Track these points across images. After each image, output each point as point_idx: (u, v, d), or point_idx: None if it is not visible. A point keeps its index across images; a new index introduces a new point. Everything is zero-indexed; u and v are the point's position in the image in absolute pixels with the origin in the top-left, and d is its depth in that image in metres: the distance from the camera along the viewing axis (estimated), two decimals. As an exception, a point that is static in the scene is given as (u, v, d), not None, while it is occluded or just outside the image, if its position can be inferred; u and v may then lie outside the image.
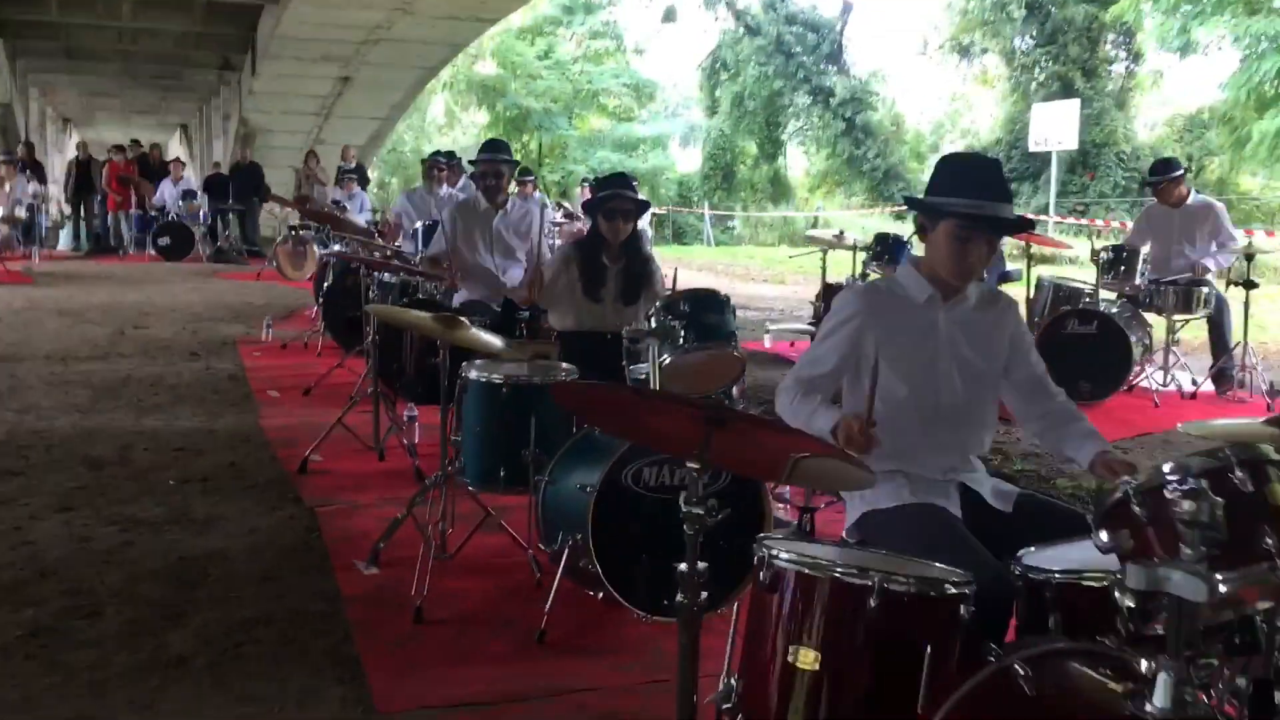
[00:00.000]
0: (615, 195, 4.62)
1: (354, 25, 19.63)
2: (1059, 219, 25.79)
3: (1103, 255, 7.13)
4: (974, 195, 2.72)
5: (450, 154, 10.91)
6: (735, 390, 4.24)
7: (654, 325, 3.60)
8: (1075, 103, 26.90)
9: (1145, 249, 7.22)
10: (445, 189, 9.71)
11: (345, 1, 18.21)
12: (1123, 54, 33.31)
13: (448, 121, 44.36)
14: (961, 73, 39.75)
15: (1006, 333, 2.96)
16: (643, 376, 3.96)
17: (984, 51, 36.69)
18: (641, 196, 4.72)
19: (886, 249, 8.87)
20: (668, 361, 3.66)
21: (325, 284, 9.24)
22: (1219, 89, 26.74)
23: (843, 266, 11.08)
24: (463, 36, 22.73)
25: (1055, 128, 26.43)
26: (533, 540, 3.89)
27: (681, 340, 3.72)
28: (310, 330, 9.30)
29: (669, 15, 33.81)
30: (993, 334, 2.94)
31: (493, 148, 6.41)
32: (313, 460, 5.42)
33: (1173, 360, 7.36)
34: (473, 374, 4.07)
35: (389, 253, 7.98)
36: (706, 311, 3.88)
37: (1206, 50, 24.66)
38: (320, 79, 22.34)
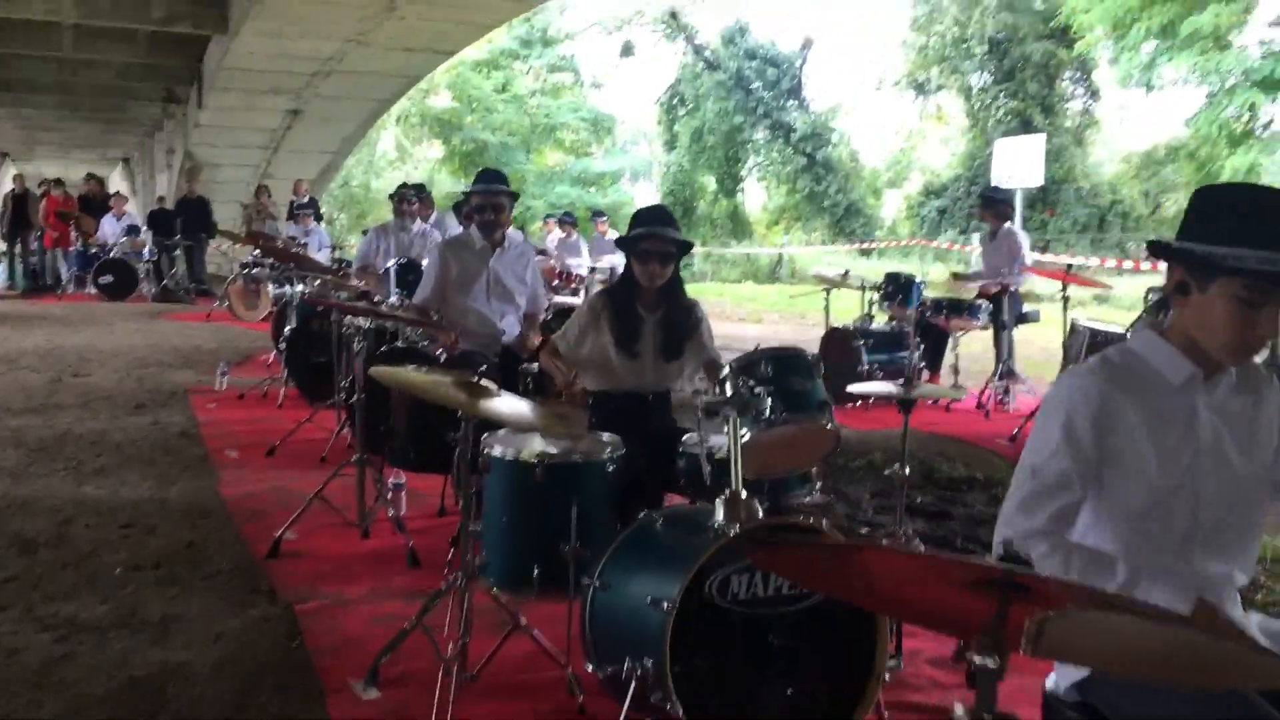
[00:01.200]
0: (651, 234, 3.92)
1: (305, 57, 19.03)
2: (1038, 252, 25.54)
3: (1151, 296, 6.55)
4: (1272, 246, 2.00)
5: (420, 186, 10.14)
6: (815, 470, 3.52)
7: (730, 391, 2.89)
8: (1040, 138, 26.72)
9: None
10: (418, 224, 8.97)
11: (297, 32, 17.52)
12: (1080, 90, 33.38)
13: (399, 155, 43.58)
14: (916, 109, 39.84)
15: (1275, 421, 2.24)
16: (720, 454, 3.24)
17: (939, 89, 36.66)
18: (683, 237, 4.00)
19: (899, 289, 8.26)
20: (747, 437, 2.94)
21: (286, 328, 8.44)
22: (1184, 124, 26.80)
23: (847, 307, 10.53)
24: (418, 69, 22.28)
25: (1019, 164, 26.22)
26: (573, 655, 3.16)
27: (769, 411, 3.00)
28: (270, 378, 8.48)
29: (627, 50, 33.39)
30: (1258, 422, 2.22)
31: (490, 178, 5.67)
32: (286, 539, 4.63)
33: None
34: (497, 449, 3.35)
35: (373, 297, 7.20)
36: (790, 374, 3.17)
37: (1166, 87, 24.65)
38: (269, 111, 21.74)
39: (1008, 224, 8.55)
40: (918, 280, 8.35)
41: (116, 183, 33.03)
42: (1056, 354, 10.60)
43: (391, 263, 8.11)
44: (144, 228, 16.48)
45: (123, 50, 20.54)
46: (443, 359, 5.58)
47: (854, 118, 36.72)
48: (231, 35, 17.90)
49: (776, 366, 3.15)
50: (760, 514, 2.84)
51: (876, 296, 8.53)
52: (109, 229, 16.33)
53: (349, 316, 6.59)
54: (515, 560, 3.29)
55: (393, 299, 7.00)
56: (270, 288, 12.99)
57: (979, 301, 7.99)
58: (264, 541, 4.66)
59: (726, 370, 3.00)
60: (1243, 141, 20.06)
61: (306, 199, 17.93)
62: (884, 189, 38.18)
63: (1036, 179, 26.04)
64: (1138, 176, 33.60)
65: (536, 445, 3.40)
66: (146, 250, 16.22)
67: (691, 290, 4.25)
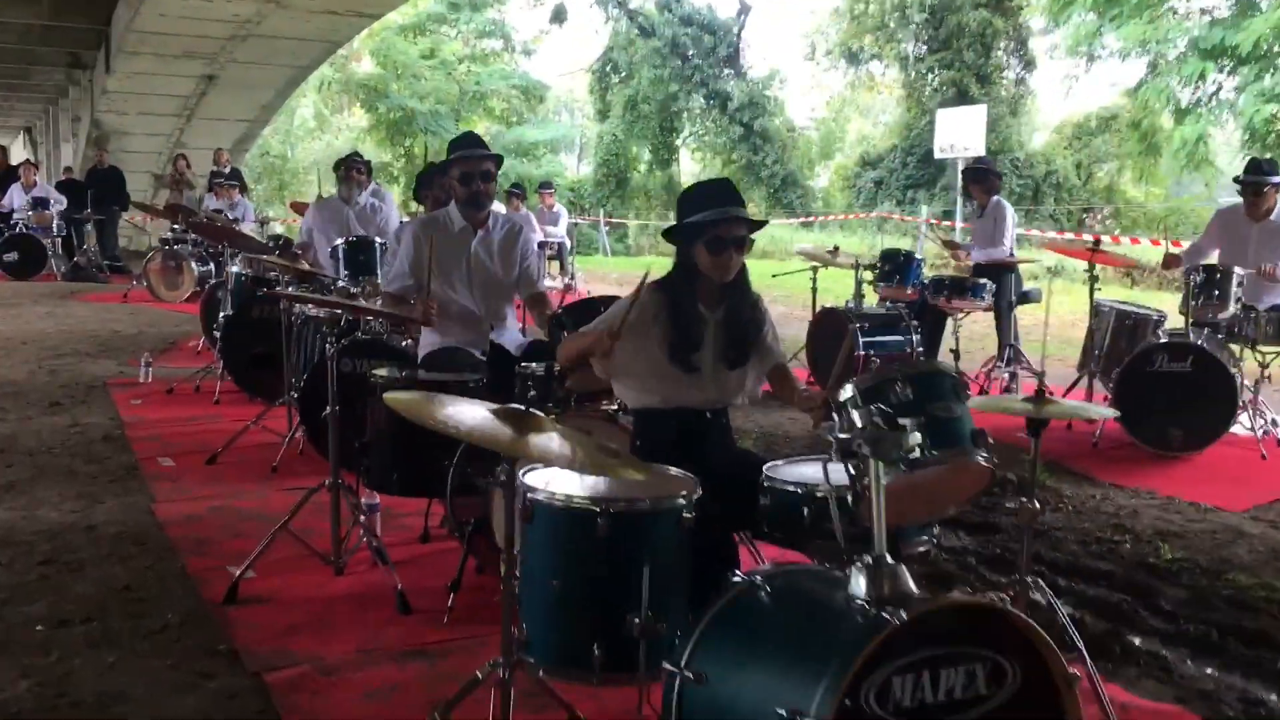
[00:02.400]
0: (726, 216, 3.19)
1: (221, 19, 18.16)
2: (965, 225, 25.20)
3: (1194, 277, 5.97)
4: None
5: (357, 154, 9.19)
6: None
7: (859, 421, 2.20)
8: (981, 109, 26.40)
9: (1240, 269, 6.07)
10: (366, 197, 8.10)
11: None
12: (1015, 61, 33.17)
13: (318, 125, 42.11)
14: (849, 79, 39.39)
15: None
16: (820, 494, 2.56)
17: (873, 58, 36.25)
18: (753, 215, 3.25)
19: (896, 268, 7.62)
20: (889, 481, 2.24)
21: (221, 314, 7.57)
22: (1123, 95, 26.66)
23: (835, 285, 9.84)
24: (341, 33, 21.49)
25: (960, 134, 25.89)
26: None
27: (917, 446, 2.29)
28: (202, 369, 7.59)
29: (558, 15, 32.31)
30: None
31: (472, 141, 4.84)
32: (245, 578, 3.85)
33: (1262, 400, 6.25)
34: (541, 488, 2.62)
35: (332, 282, 6.36)
36: (932, 397, 2.47)
37: (1108, 57, 24.42)
38: (182, 78, 20.77)
39: (996, 197, 7.97)
40: (918, 258, 7.72)
41: (19, 154, 31.24)
42: (1059, 334, 10.15)
43: (340, 241, 7.26)
44: (54, 200, 15.21)
45: (23, 11, 19.46)
46: (419, 355, 4.84)
47: (788, 87, 36.24)
48: (141, -5, 16.85)
49: (916, 388, 2.45)
50: (911, 584, 2.16)
51: (869, 275, 7.88)
52: (16, 201, 15.05)
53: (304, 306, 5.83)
54: (568, 635, 2.57)
55: (341, 282, 6.18)
56: (194, 265, 12.04)
57: (981, 280, 7.40)
58: (215, 581, 3.88)
59: (850, 393, 2.30)
60: (1190, 112, 19.83)
61: (228, 169, 16.89)
62: (817, 160, 37.77)
63: (978, 148, 25.72)
64: (1070, 147, 33.52)
65: (587, 482, 2.68)
66: (55, 224, 15.00)
67: (626, 264, 3.62)
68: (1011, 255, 7.82)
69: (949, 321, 7.70)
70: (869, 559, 2.16)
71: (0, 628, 3.54)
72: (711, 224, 3.18)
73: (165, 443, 6.05)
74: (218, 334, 7.61)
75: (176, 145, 22.16)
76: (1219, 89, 19.72)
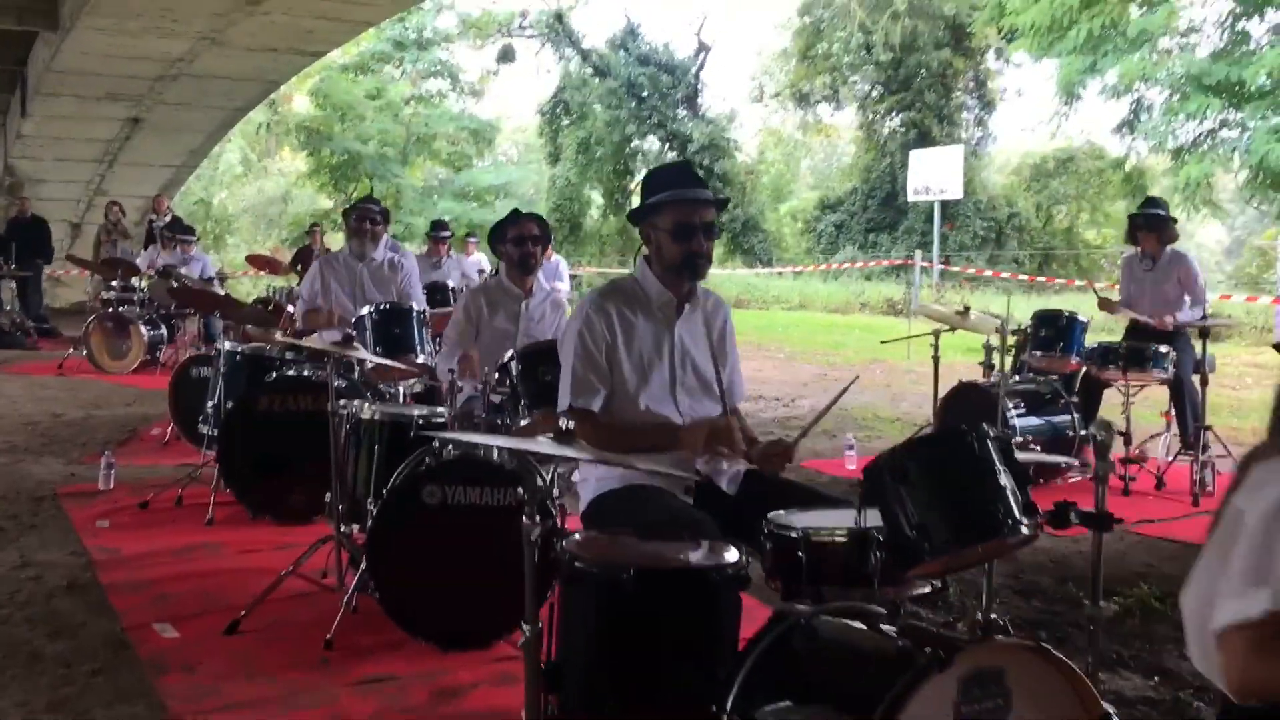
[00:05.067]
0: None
1: (149, 58, 16.89)
2: (943, 265, 24.19)
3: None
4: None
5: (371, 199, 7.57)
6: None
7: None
8: (958, 149, 25.54)
9: None
10: (383, 251, 6.52)
11: (140, 28, 15.26)
12: (975, 101, 32.55)
13: (245, 169, 40.13)
14: (798, 121, 38.51)
15: None
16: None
17: (822, 99, 35.42)
18: None
19: (1058, 333, 6.23)
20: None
21: (209, 403, 5.91)
22: (1112, 134, 25.89)
23: (960, 352, 8.45)
24: (279, 72, 20.39)
25: (936, 176, 24.98)
26: None
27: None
28: (186, 476, 5.90)
29: (506, 55, 30.91)
30: None
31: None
32: None
33: None
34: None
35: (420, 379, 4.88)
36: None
37: (1094, 95, 23.66)
38: (105, 120, 19.43)
39: (1171, 248, 6.66)
40: (1081, 320, 6.34)
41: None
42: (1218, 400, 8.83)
43: (367, 310, 5.68)
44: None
45: (-72, 49, 17.74)
46: (588, 496, 3.31)
47: (743, 130, 35.24)
48: (63, 32, 15.73)
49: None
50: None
51: (1004, 340, 6.49)
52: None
53: (355, 401, 4.27)
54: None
55: (465, 383, 4.65)
56: (143, 330, 10.30)
57: (1163, 349, 6.05)
58: None
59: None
60: (1190, 151, 18.96)
61: (168, 217, 15.12)
62: (768, 203, 36.78)
63: (955, 190, 24.81)
64: (1029, 189, 32.98)
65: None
66: (-29, 283, 13.10)
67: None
68: (1204, 317, 6.50)
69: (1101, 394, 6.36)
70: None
71: None
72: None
73: (157, 595, 4.39)
74: (205, 429, 5.95)
75: (96, 193, 20.95)
76: (1220, 126, 18.91)
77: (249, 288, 20.99)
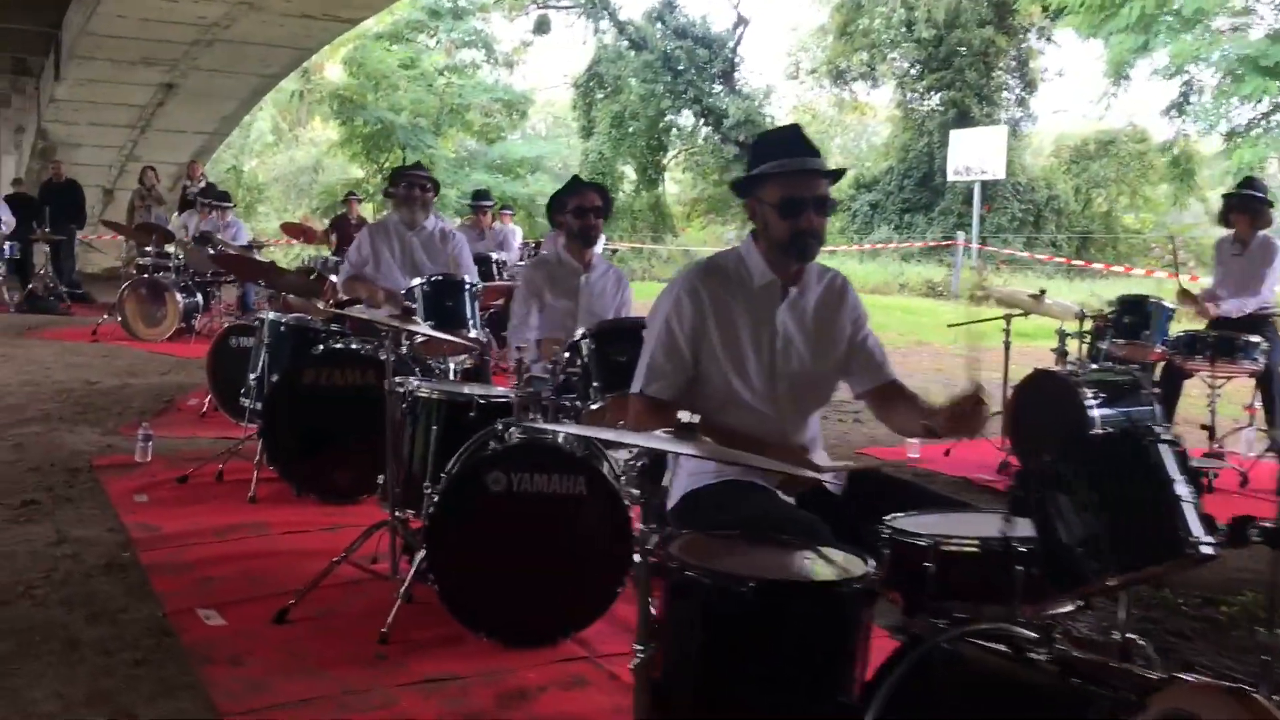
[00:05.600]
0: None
1: (185, 22, 16.87)
2: (980, 246, 23.76)
3: None
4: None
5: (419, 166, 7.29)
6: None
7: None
8: (1001, 129, 25.08)
9: None
10: (433, 221, 6.26)
11: None
12: (1016, 81, 31.94)
13: (277, 138, 39.94)
14: (833, 99, 37.96)
15: None
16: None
17: (858, 78, 34.87)
18: None
19: (1140, 319, 5.92)
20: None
21: (251, 376, 5.68)
22: (1160, 116, 25.32)
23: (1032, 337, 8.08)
24: (314, 39, 20.31)
25: (977, 156, 24.55)
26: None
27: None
28: (227, 450, 5.68)
29: (541, 26, 30.51)
30: None
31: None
32: None
33: None
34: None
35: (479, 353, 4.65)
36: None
37: (1132, 74, 23.11)
38: (139, 86, 19.38)
39: (1264, 233, 6.32)
40: (1168, 307, 6.02)
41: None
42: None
43: (418, 282, 5.44)
44: (4, 219, 13.08)
45: (-40, 14, 17.74)
46: (674, 494, 3.04)
47: (778, 106, 34.70)
48: (97, -4, 15.57)
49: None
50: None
51: (1078, 326, 6.19)
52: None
53: (414, 382, 4.02)
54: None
55: (532, 360, 4.41)
56: (178, 297, 10.10)
57: (1254, 339, 5.73)
58: None
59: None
60: (1244, 134, 18.49)
61: (203, 183, 14.93)
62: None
63: (997, 171, 24.37)
64: (1068, 171, 32.38)
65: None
66: (7, 247, 12.88)
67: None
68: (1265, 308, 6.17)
69: (1182, 386, 6.04)
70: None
71: None
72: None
73: (200, 578, 4.16)
74: (246, 403, 5.73)
75: (129, 158, 20.96)
76: (1273, 110, 18.42)
77: (280, 256, 20.80)
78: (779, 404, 2.88)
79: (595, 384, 3.73)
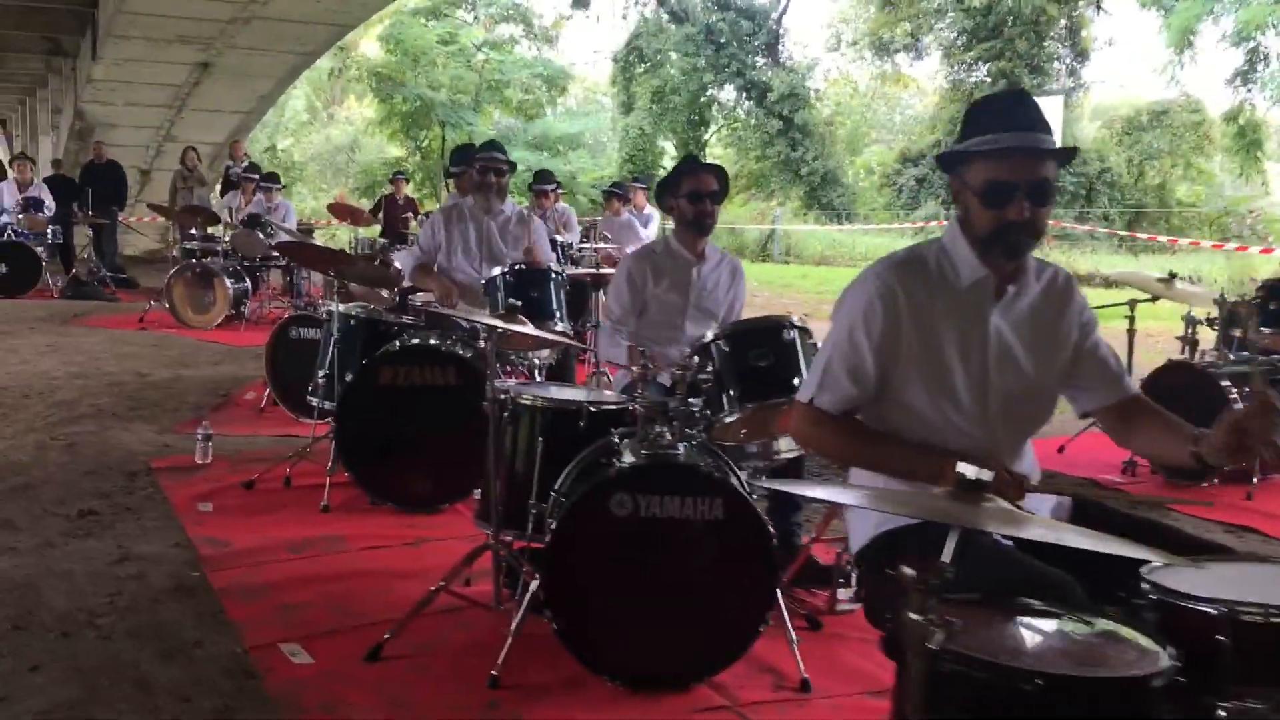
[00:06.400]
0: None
1: (222, 0, 16.57)
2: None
3: None
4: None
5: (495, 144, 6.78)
6: None
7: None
8: (1057, 99, 24.37)
9: None
10: (510, 205, 5.83)
11: None
12: (1066, 50, 31.09)
13: (311, 117, 39.65)
14: (876, 71, 37.15)
15: None
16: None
17: (903, 49, 34.10)
18: None
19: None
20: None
21: (320, 373, 5.27)
22: (1225, 85, 24.51)
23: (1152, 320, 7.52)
24: (352, 15, 20.08)
25: (1032, 127, 23.80)
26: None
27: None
28: (296, 453, 5.27)
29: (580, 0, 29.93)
30: None
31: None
32: None
33: None
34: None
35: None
36: None
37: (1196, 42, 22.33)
38: (175, 65, 19.10)
39: None
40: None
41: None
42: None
43: (499, 271, 5.01)
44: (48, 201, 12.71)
45: (-2, -7, 17.72)
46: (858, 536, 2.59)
47: (818, 78, 33.97)
48: (136, -29, 15.38)
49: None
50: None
51: (1211, 315, 5.68)
52: (6, 201, 12.53)
53: (513, 385, 3.60)
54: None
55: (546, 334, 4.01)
56: (228, 284, 9.74)
57: None
58: None
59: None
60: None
61: (246, 163, 14.56)
62: (845, 156, 35.58)
63: (1053, 143, 23.66)
64: (1120, 142, 31.53)
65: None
66: (50, 230, 12.55)
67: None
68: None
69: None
70: None
71: None
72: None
73: (279, 606, 3.75)
74: (315, 401, 5.32)
75: (166, 138, 20.77)
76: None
77: (325, 238, 20.50)
78: (991, 426, 2.41)
79: (731, 392, 3.28)
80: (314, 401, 5.29)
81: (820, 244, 24.70)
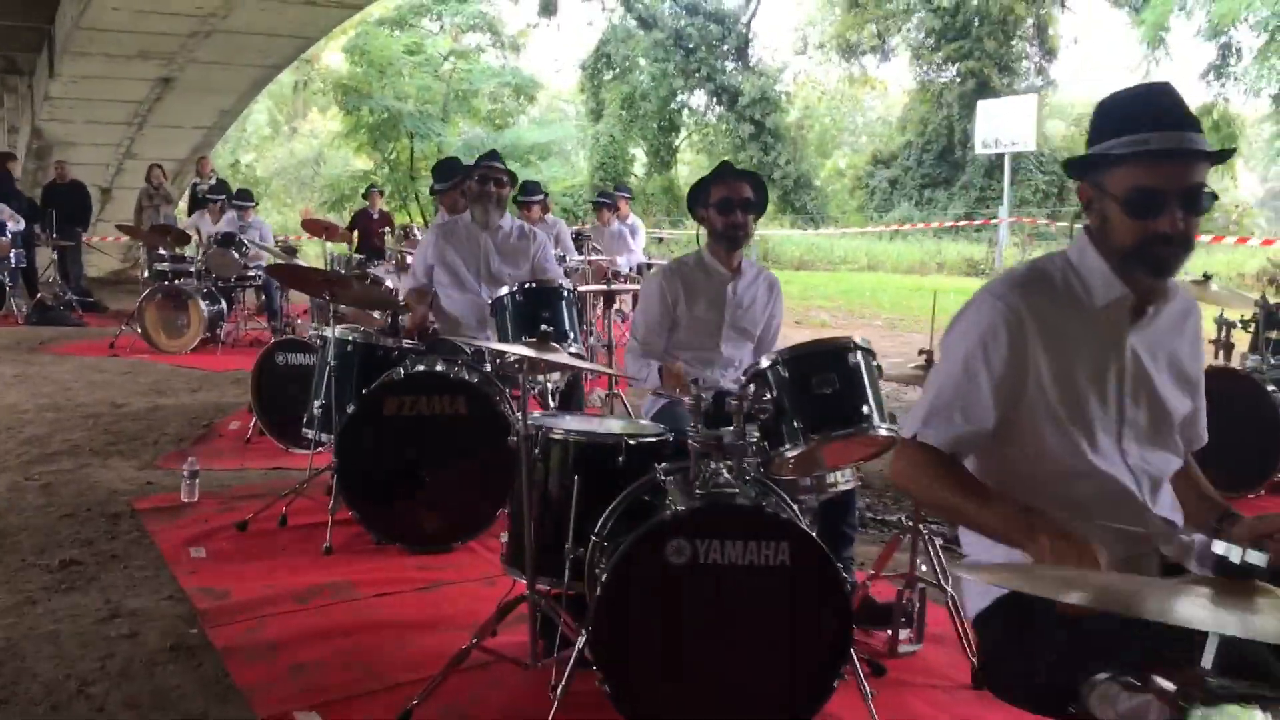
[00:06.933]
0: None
1: (182, 13, 16.06)
2: (1015, 219, 22.96)
3: None
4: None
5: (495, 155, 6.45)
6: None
7: None
8: (1032, 99, 24.27)
9: None
10: (510, 221, 5.50)
11: None
12: (1035, 49, 31.12)
13: (274, 132, 39.11)
14: (844, 74, 37.08)
15: None
16: None
17: (871, 50, 34.06)
18: None
19: (1334, 308, 5.17)
20: None
21: (315, 403, 4.92)
22: (1199, 80, 24.51)
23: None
24: (317, 27, 19.63)
25: (1006, 127, 23.79)
26: None
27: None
28: (291, 490, 4.92)
29: (547, 7, 29.62)
30: None
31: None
32: None
33: None
34: None
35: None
36: None
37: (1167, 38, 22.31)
38: (135, 81, 18.53)
39: None
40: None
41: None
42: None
43: (506, 291, 4.69)
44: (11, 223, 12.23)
45: (-54, 10, 17.13)
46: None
47: (793, 82, 33.86)
48: (91, -14, 14.91)
49: None
50: None
51: (1245, 317, 5.46)
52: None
53: (542, 418, 3.30)
54: None
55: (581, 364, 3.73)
56: (202, 306, 9.35)
57: None
58: None
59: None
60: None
61: (213, 180, 14.16)
62: (815, 159, 35.47)
63: (1028, 142, 23.61)
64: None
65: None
66: (13, 255, 12.07)
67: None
68: None
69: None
70: None
71: None
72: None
73: (290, 667, 3.41)
74: (310, 434, 4.98)
75: (126, 156, 20.20)
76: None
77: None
78: (1132, 465, 2.13)
79: (796, 424, 2.97)
80: (310, 434, 4.94)
81: (797, 248, 24.53)
